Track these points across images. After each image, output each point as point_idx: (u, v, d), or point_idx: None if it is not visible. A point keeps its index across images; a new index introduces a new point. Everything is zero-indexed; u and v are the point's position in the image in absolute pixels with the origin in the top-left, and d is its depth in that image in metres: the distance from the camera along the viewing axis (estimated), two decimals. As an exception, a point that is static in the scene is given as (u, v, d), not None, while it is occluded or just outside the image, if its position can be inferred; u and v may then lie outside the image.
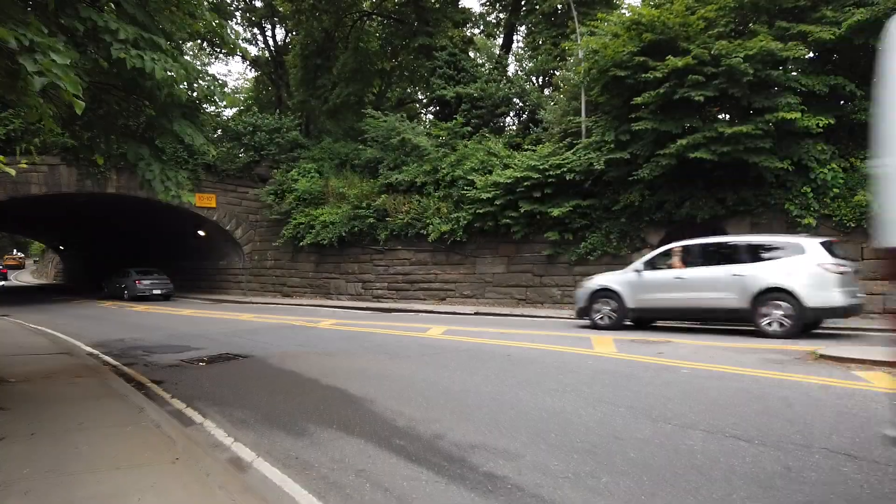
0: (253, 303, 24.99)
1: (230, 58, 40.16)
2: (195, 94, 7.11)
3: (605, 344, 10.88)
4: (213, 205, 28.08)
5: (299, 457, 5.23)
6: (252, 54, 40.66)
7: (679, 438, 5.32)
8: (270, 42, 42.02)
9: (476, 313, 17.53)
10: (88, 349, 11.92)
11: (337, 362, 9.74)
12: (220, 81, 8.45)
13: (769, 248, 11.80)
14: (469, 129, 22.88)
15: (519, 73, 25.93)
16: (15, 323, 16.88)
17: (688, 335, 11.98)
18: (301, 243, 25.07)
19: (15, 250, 76.31)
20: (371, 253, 23.10)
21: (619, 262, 17.13)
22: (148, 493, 4.08)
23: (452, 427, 5.90)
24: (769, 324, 11.27)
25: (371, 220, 22.59)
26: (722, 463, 4.68)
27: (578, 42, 18.77)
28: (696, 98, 14.48)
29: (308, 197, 25.56)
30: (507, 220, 18.78)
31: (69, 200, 26.61)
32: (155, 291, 27.77)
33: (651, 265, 12.99)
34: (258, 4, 34.96)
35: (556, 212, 17.60)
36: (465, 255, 20.52)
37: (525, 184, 18.08)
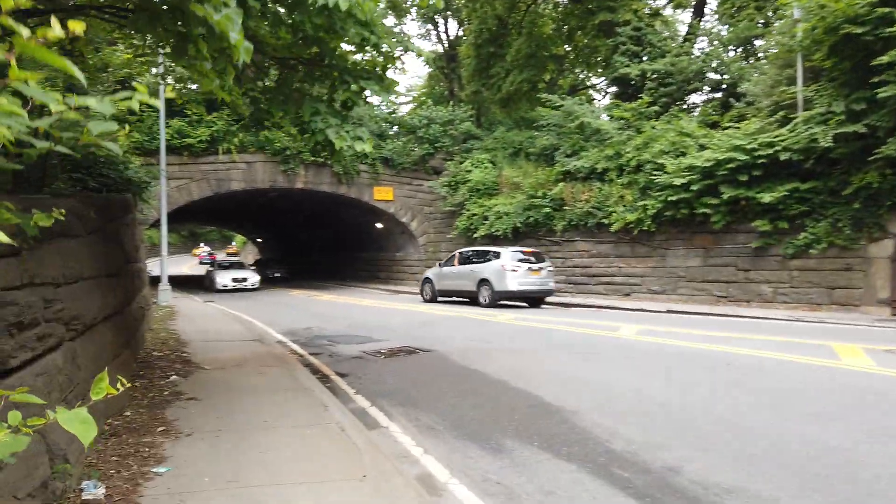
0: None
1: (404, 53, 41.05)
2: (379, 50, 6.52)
3: (854, 354, 8.80)
4: (391, 198, 28.64)
5: (501, 481, 4.33)
6: (426, 50, 41.37)
7: None
8: (443, 37, 42.54)
9: (669, 311, 15.70)
10: (278, 336, 12.17)
11: (524, 362, 8.80)
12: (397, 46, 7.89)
13: (489, 254, 18.72)
14: (656, 108, 20.83)
15: (714, 43, 23.18)
16: (218, 309, 18.15)
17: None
18: (475, 235, 24.61)
19: (233, 242, 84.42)
20: (548, 244, 21.95)
21: (851, 254, 14.37)
22: (333, 522, 3.39)
23: (688, 458, 4.65)
24: (482, 299, 18.07)
25: (547, 209, 21.44)
26: None
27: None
28: (969, 50, 11.52)
29: (482, 187, 25.03)
30: (705, 208, 16.62)
31: (263, 195, 28.64)
32: (276, 274, 38.60)
33: (447, 263, 20.21)
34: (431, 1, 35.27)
35: (766, 197, 15.17)
36: (653, 246, 18.64)
37: (728, 166, 15.84)
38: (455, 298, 19.88)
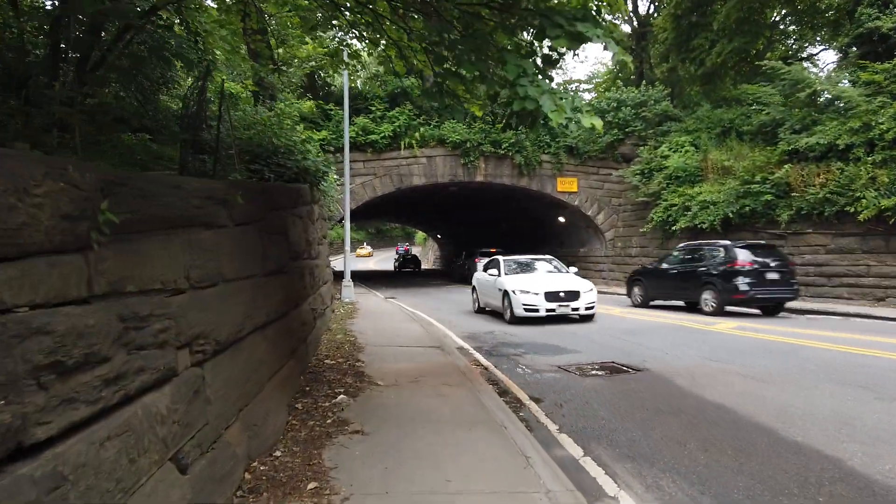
0: (617, 294, 22.63)
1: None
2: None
3: None
4: (575, 189, 26.55)
5: None
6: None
7: None
8: (632, 15, 39.34)
9: (954, 325, 12.00)
10: (459, 341, 10.92)
11: (784, 396, 6.50)
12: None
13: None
14: (920, 67, 16.50)
15: None
16: (398, 307, 17.54)
17: None
18: (674, 228, 21.69)
19: (365, 243, 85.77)
20: (767, 238, 18.50)
21: None
22: None
23: None
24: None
25: (768, 196, 18.02)
26: None
27: None
28: None
29: (682, 174, 22.02)
30: None
31: (442, 189, 28.06)
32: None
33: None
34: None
35: None
36: (919, 240, 14.66)
37: None
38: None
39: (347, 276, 17.69)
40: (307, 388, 6.16)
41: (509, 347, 10.23)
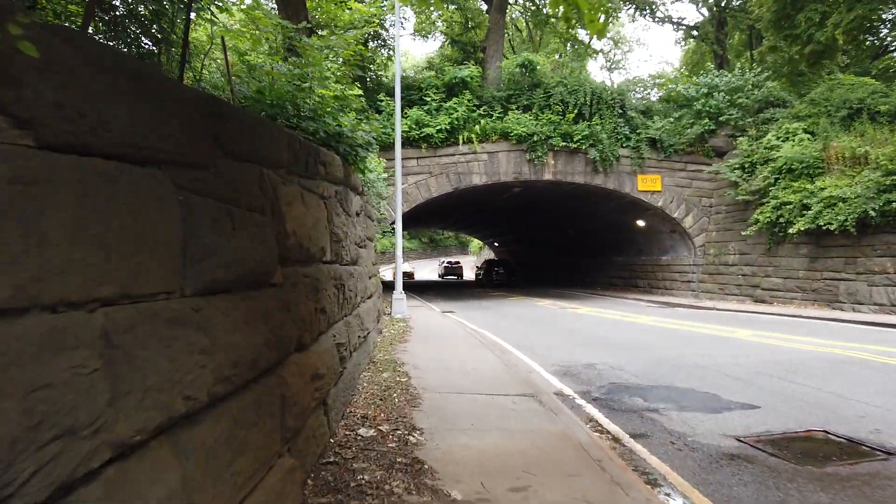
0: (717, 309, 19.01)
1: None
2: None
3: None
4: (658, 188, 23.01)
5: None
6: (686, 21, 34.77)
7: None
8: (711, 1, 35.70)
9: None
10: (552, 381, 7.77)
11: None
12: None
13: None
14: None
15: None
16: (458, 324, 14.49)
17: None
18: (788, 231, 17.98)
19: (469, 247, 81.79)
20: (921, 242, 14.73)
21: None
22: None
23: None
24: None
25: (924, 190, 14.28)
26: None
27: None
28: None
29: (797, 167, 18.30)
30: None
31: (505, 190, 24.94)
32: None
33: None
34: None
35: None
36: None
37: None
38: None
39: (398, 287, 14.78)
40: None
41: (633, 394, 7.02)
